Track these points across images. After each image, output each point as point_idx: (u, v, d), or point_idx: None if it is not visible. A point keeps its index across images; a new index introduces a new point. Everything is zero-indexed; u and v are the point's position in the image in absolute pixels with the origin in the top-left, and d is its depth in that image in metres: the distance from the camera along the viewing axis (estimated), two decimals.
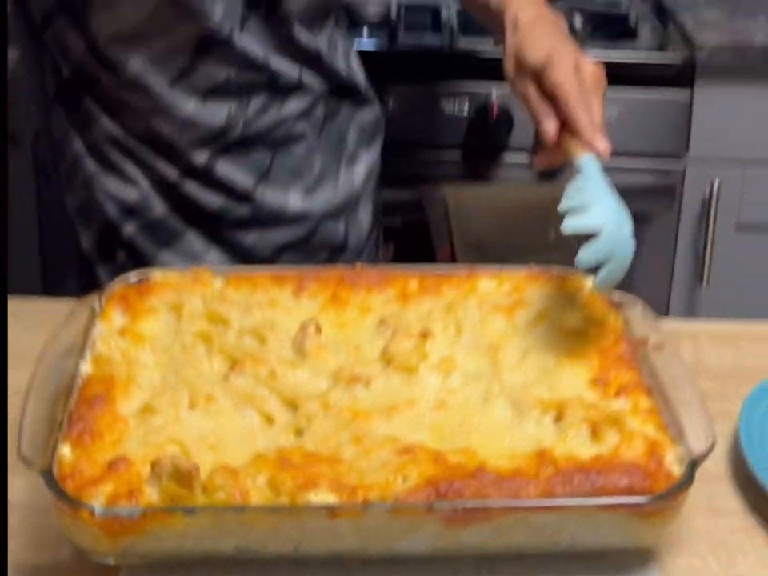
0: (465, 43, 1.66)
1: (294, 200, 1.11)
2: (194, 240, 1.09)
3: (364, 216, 1.19)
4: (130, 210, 1.08)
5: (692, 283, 1.81)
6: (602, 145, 0.87)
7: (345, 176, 1.15)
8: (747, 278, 1.81)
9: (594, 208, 0.80)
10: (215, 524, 0.63)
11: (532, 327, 0.80)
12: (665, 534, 0.68)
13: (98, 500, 0.64)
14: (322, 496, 0.64)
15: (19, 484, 0.74)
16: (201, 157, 1.05)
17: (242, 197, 1.08)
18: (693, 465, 0.67)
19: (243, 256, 1.09)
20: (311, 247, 1.13)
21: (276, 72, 1.05)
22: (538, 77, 0.92)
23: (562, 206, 0.80)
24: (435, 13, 1.75)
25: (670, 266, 1.80)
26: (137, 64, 1.01)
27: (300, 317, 0.82)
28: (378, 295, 0.85)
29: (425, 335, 0.79)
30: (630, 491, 0.65)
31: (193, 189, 1.07)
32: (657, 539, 0.69)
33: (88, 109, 1.05)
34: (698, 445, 0.68)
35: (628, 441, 0.68)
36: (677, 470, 0.67)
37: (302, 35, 1.05)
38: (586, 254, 0.78)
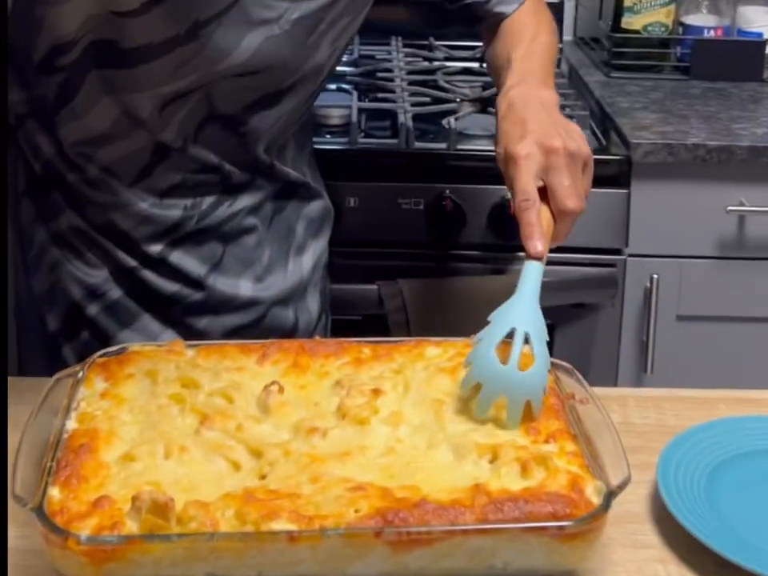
0: (420, 145, 1.78)
1: (244, 288, 1.19)
2: (150, 321, 1.17)
3: (312, 303, 1.27)
4: (93, 293, 1.16)
5: (637, 372, 1.91)
6: (535, 249, 0.94)
7: (293, 265, 1.23)
8: (689, 366, 1.91)
9: (479, 361, 0.88)
10: (188, 551, 0.71)
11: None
12: (587, 556, 0.77)
13: (84, 532, 0.72)
14: (283, 525, 0.72)
15: (10, 531, 0.82)
16: (156, 248, 1.14)
17: (195, 284, 1.16)
18: (610, 495, 0.76)
19: (196, 338, 1.15)
20: (261, 331, 1.20)
21: (229, 173, 1.14)
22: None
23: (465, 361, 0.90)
24: (393, 117, 1.88)
25: (616, 355, 1.91)
26: (98, 167, 1.10)
27: (264, 381, 0.91)
28: (335, 361, 0.94)
29: (376, 392, 0.88)
30: (553, 517, 0.74)
31: (149, 276, 1.15)
32: (580, 561, 0.77)
33: (55, 202, 1.14)
34: (615, 479, 0.78)
35: (553, 476, 0.78)
36: (596, 500, 0.76)
37: (259, 149, 1.15)
38: (477, 408, 0.86)
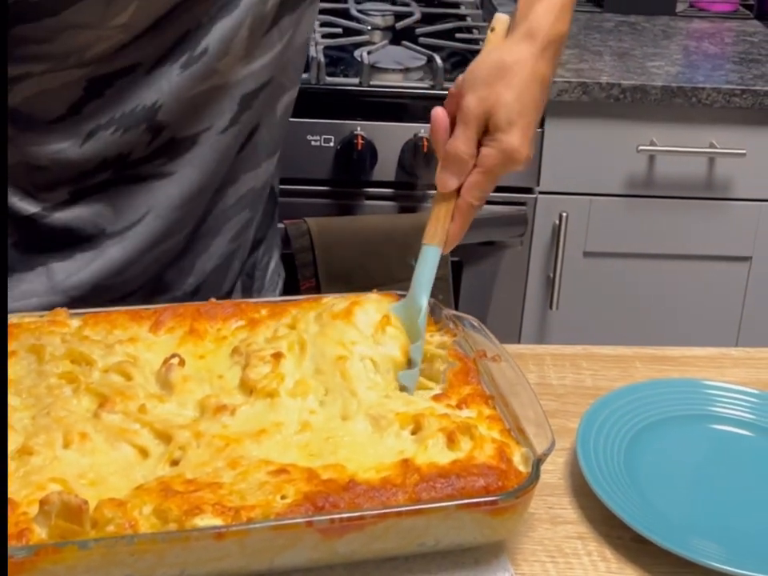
0: (331, 80, 1.72)
1: None
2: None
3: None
4: None
5: (542, 308, 1.92)
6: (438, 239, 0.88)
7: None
8: (593, 301, 1.93)
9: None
10: (107, 556, 0.66)
11: (375, 331, 0.85)
12: (516, 527, 0.76)
13: None
14: (208, 520, 0.67)
15: None
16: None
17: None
18: (537, 463, 0.74)
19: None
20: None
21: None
22: None
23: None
24: None
25: (523, 291, 1.91)
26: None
27: (160, 351, 0.85)
28: (232, 324, 0.89)
29: (277, 357, 0.83)
30: (486, 490, 0.72)
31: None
32: (509, 532, 0.76)
33: None
34: (539, 445, 0.76)
35: (480, 446, 0.75)
36: (523, 468, 0.75)
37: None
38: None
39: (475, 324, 0.89)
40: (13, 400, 0.80)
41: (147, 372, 0.83)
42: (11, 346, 0.85)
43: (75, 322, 0.89)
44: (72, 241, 1.06)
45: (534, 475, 0.74)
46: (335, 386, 0.81)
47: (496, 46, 0.92)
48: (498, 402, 0.82)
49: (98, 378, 0.81)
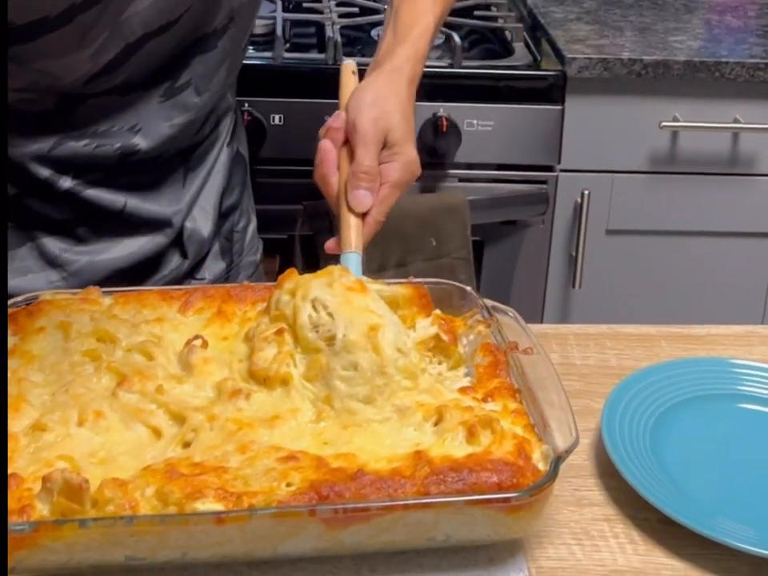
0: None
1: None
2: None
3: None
4: None
5: (565, 286, 1.90)
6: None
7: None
8: (616, 280, 1.90)
9: None
10: (105, 535, 0.65)
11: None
12: (533, 525, 0.73)
13: None
14: (209, 504, 0.66)
15: None
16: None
17: None
18: (557, 461, 0.72)
19: None
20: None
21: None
22: None
23: None
24: (320, 29, 1.78)
25: (545, 270, 1.89)
26: None
27: (186, 332, 0.85)
28: (259, 307, 0.88)
29: (280, 332, 0.81)
30: (499, 487, 0.69)
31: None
32: (525, 531, 0.74)
33: None
34: (562, 442, 0.73)
35: (499, 441, 0.73)
36: (542, 466, 0.72)
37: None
38: None
39: (510, 314, 0.88)
40: (36, 376, 0.79)
41: (170, 352, 0.82)
42: (41, 321, 0.85)
43: (107, 300, 0.88)
44: (53, 223, 1.06)
45: (552, 474, 0.71)
46: (367, 362, 0.78)
47: (365, 80, 1.01)
48: (525, 396, 0.80)
49: (120, 357, 0.81)
